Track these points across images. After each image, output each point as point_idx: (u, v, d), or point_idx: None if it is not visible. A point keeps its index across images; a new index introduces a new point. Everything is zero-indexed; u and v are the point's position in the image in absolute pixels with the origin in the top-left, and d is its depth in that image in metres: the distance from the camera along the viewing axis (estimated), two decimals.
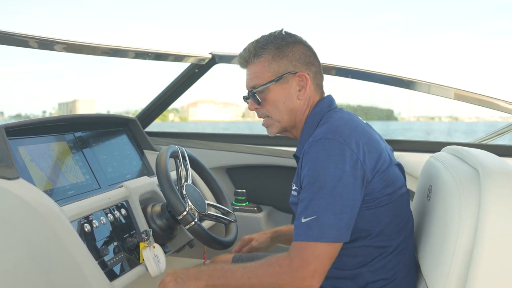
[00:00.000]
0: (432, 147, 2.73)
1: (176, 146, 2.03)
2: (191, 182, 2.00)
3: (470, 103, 2.66)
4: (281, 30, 1.73)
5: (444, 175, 1.46)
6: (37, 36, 2.26)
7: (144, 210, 1.94)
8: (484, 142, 2.83)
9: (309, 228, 1.43)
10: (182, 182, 1.94)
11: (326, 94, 1.75)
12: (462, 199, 1.28)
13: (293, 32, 1.74)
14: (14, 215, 1.57)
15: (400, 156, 2.67)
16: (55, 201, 1.64)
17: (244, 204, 2.81)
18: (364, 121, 1.69)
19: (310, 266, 1.42)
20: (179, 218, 1.78)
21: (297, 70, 1.68)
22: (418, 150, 2.75)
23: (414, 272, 1.62)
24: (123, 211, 1.87)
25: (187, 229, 1.80)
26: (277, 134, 1.77)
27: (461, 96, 2.66)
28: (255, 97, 1.70)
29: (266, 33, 1.73)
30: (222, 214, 2.11)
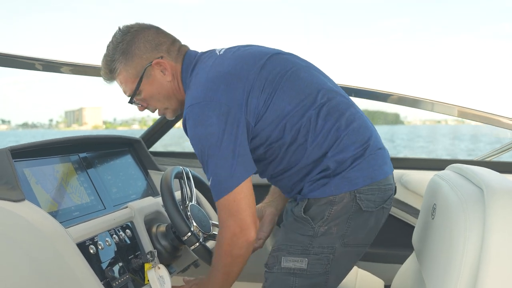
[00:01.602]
0: (436, 164, 2.73)
1: (181, 167, 2.04)
2: (195, 202, 2.00)
3: (472, 120, 2.68)
4: (118, 30, 1.78)
5: (449, 194, 1.46)
6: (42, 59, 2.28)
7: (149, 230, 1.94)
8: (488, 159, 2.83)
9: (214, 188, 1.61)
10: (187, 203, 1.94)
11: (190, 50, 1.83)
12: (467, 219, 1.28)
13: (133, 23, 1.80)
14: (20, 237, 1.58)
15: (404, 174, 2.68)
16: (60, 223, 1.64)
17: None
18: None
19: (233, 220, 1.60)
20: (183, 239, 1.78)
21: (150, 60, 1.74)
22: (422, 168, 2.75)
23: None
24: (128, 232, 1.87)
25: (192, 250, 1.80)
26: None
27: (464, 113, 2.67)
28: (135, 102, 1.81)
29: (109, 38, 1.79)
30: None
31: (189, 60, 1.77)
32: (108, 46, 1.79)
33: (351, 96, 2.73)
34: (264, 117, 1.63)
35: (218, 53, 1.74)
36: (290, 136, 1.63)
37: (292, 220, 1.68)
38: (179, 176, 2.01)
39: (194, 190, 2.05)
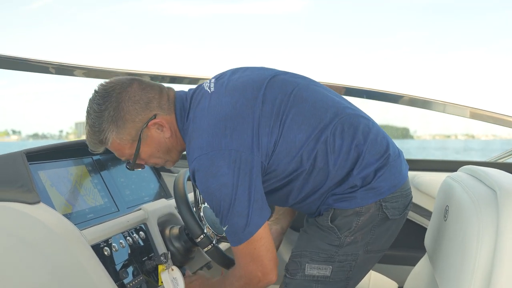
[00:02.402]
0: (449, 166, 2.72)
1: None
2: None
3: (485, 121, 2.67)
4: (95, 94, 1.63)
5: (461, 196, 1.46)
6: (55, 62, 2.30)
7: (162, 232, 1.95)
8: (500, 161, 2.82)
9: (231, 236, 1.56)
10: (200, 204, 1.95)
11: (177, 92, 1.71)
12: (480, 220, 1.28)
13: (108, 81, 1.65)
14: (35, 239, 1.59)
15: (417, 176, 2.67)
16: (75, 225, 1.66)
17: None
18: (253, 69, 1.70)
19: (254, 266, 1.57)
20: (197, 241, 1.79)
21: (144, 121, 1.62)
22: (435, 169, 2.74)
23: None
24: (142, 234, 1.88)
25: (205, 252, 1.81)
26: None
27: (476, 115, 2.66)
28: (135, 165, 1.70)
29: (85, 107, 1.65)
30: None
31: (180, 105, 1.66)
32: (89, 114, 1.63)
33: (363, 97, 2.73)
34: (277, 152, 1.56)
35: (209, 90, 1.64)
36: (308, 164, 1.57)
37: (316, 229, 1.64)
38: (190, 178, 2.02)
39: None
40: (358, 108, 1.71)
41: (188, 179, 1.97)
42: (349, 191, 1.58)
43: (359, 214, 1.58)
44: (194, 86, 1.71)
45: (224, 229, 1.56)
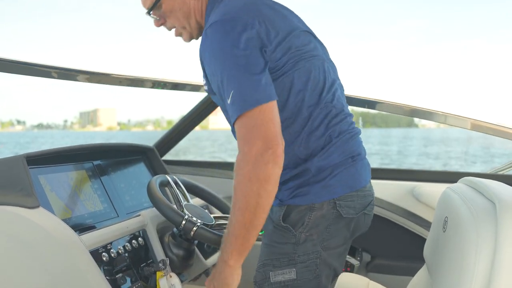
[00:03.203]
0: (449, 177, 2.73)
1: (166, 176, 2.05)
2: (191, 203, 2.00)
3: (485, 133, 2.67)
4: None
5: (461, 207, 1.46)
6: (59, 67, 2.31)
7: (161, 239, 1.95)
8: (501, 173, 2.82)
9: (234, 104, 1.43)
10: (182, 202, 1.94)
11: None
12: (478, 232, 1.28)
13: None
14: (34, 243, 1.60)
15: (417, 187, 2.68)
16: (74, 230, 1.66)
17: (260, 233, 2.81)
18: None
19: (257, 132, 1.40)
20: (180, 229, 1.77)
21: None
22: (435, 180, 2.75)
23: None
24: (140, 240, 1.89)
25: (193, 237, 1.78)
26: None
27: (477, 126, 2.67)
28: (152, 16, 1.73)
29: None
30: None
31: None
32: None
33: (364, 107, 2.74)
34: (280, 79, 1.55)
35: None
36: (294, 110, 1.57)
37: (272, 229, 1.64)
38: (165, 184, 2.01)
39: (188, 194, 2.05)
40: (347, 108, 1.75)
41: (162, 185, 1.95)
42: (303, 182, 1.58)
43: (312, 209, 1.57)
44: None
45: (229, 100, 1.45)
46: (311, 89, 1.59)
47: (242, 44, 1.46)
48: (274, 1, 1.69)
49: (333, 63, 1.76)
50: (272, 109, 1.43)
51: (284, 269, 1.59)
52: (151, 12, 1.72)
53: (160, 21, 1.74)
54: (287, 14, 1.66)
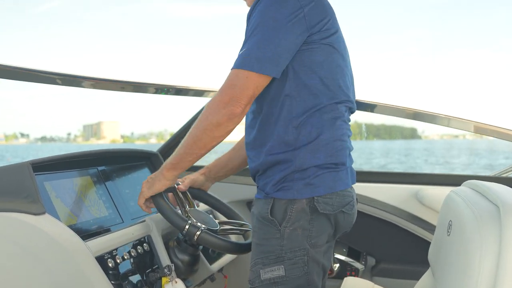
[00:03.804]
0: (452, 180, 2.73)
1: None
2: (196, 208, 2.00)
3: (489, 135, 2.67)
4: None
5: (464, 211, 1.46)
6: (63, 73, 2.32)
7: (166, 244, 1.96)
8: (505, 175, 2.82)
9: (239, 58, 1.60)
10: (186, 208, 1.94)
11: None
12: (482, 236, 1.28)
13: None
14: (40, 250, 1.60)
15: (420, 190, 2.68)
16: (80, 236, 1.67)
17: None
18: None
19: (232, 90, 1.58)
20: (184, 233, 1.77)
21: None
22: (439, 183, 2.75)
23: None
24: (146, 246, 1.89)
25: (196, 241, 1.78)
26: None
27: (480, 129, 2.67)
28: None
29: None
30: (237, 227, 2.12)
31: None
32: None
33: (367, 111, 2.74)
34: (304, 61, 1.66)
35: None
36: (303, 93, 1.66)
37: (259, 225, 1.70)
38: (169, 189, 2.01)
39: (193, 201, 2.06)
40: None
41: (168, 191, 1.95)
42: (288, 179, 1.65)
43: (293, 202, 1.65)
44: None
45: (241, 50, 1.62)
46: (337, 85, 1.70)
47: (285, 14, 1.58)
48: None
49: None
50: (258, 81, 1.59)
51: (273, 266, 1.65)
52: None
53: None
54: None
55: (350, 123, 1.82)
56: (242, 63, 1.58)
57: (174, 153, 1.74)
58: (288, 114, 1.66)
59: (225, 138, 1.66)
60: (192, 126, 1.67)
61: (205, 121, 1.61)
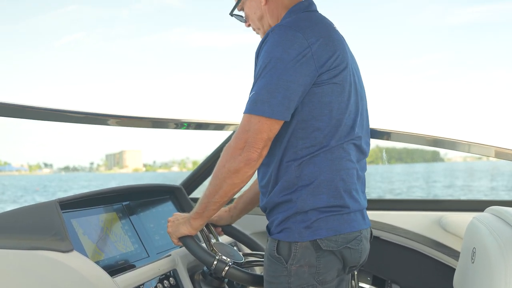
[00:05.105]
0: (475, 206, 2.72)
1: None
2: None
3: (510, 160, 2.66)
4: None
5: (488, 238, 1.46)
6: (87, 112, 2.36)
7: (191, 277, 1.97)
8: None
9: (249, 102, 1.60)
10: (211, 241, 1.95)
11: None
12: (507, 264, 1.28)
13: None
14: (69, 287, 1.63)
15: (443, 217, 2.67)
16: (107, 272, 1.70)
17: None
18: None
19: (246, 135, 1.58)
20: (212, 269, 1.78)
21: None
22: (461, 209, 2.74)
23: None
24: (172, 280, 1.91)
25: (224, 276, 1.79)
26: None
27: (501, 154, 2.66)
28: (235, 15, 1.94)
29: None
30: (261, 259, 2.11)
31: (308, 4, 1.79)
32: None
33: (383, 139, 2.75)
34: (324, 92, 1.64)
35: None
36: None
37: (268, 262, 1.69)
38: None
39: (216, 233, 2.07)
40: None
41: None
42: (290, 220, 1.64)
43: (296, 242, 1.63)
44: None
45: (250, 92, 1.62)
46: (346, 124, 1.67)
47: (293, 54, 1.58)
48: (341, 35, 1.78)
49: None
50: (271, 124, 1.59)
51: None
52: (233, 12, 1.94)
53: (245, 23, 1.94)
54: (347, 48, 1.75)
55: (370, 148, 1.81)
56: (253, 108, 1.58)
57: (198, 202, 1.75)
58: (292, 154, 1.65)
59: (246, 183, 1.66)
60: (212, 175, 1.68)
61: (223, 168, 1.62)
